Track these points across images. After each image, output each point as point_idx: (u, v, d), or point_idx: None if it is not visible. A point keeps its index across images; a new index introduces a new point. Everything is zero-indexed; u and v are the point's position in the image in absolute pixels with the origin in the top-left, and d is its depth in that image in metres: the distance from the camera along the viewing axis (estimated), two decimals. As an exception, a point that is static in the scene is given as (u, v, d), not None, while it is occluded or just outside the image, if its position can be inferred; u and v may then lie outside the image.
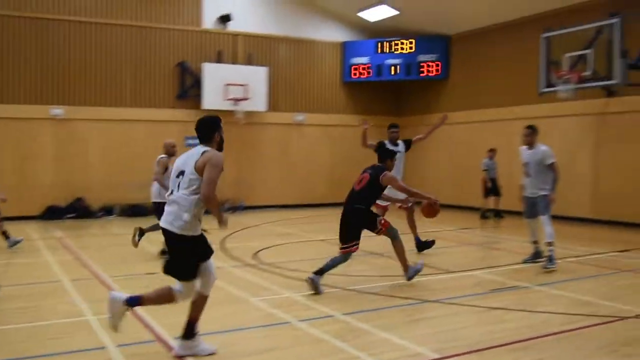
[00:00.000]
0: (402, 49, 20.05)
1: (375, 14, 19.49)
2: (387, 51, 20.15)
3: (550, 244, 9.40)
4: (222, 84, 18.06)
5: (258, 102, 18.64)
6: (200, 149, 5.19)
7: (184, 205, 5.08)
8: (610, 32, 13.21)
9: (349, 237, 8.00)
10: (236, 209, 18.29)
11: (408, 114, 21.53)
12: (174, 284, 5.29)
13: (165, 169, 10.67)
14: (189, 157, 5.20)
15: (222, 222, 5.25)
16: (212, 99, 17.96)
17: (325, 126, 20.50)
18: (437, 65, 19.90)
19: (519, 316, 6.58)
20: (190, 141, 17.94)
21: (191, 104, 18.16)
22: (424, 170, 20.61)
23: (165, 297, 5.30)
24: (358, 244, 8.01)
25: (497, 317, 6.57)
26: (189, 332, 5.28)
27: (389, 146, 9.98)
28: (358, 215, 8.08)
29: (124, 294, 5.30)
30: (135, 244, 10.40)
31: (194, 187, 5.08)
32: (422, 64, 19.96)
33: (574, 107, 15.48)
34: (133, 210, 17.00)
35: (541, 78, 14.54)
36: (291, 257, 10.48)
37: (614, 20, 13.17)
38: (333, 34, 20.69)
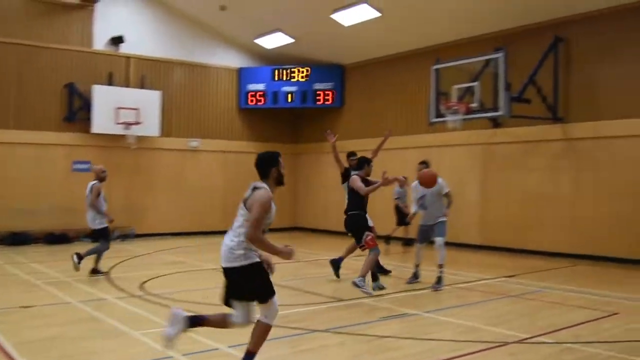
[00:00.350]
0: (298, 76, 20.17)
1: (271, 42, 19.55)
2: (283, 78, 20.23)
3: (441, 266, 10.00)
4: (113, 107, 17.49)
5: (150, 126, 18.17)
6: (254, 185, 5.27)
7: (235, 239, 5.12)
8: (496, 65, 13.78)
9: (357, 238, 9.62)
10: (126, 236, 17.64)
11: (304, 141, 21.65)
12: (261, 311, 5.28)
13: (98, 194, 10.87)
14: (246, 194, 5.26)
15: (284, 255, 5.12)
16: (102, 123, 17.34)
17: (220, 152, 20.25)
18: (333, 93, 20.13)
19: (408, 344, 6.59)
20: (78, 165, 17.26)
21: (80, 127, 17.47)
22: (320, 196, 20.75)
23: (263, 333, 5.31)
24: (369, 235, 9.47)
25: (386, 346, 6.54)
26: (192, 323, 5.33)
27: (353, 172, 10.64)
28: (350, 221, 9.76)
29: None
30: (77, 268, 10.60)
31: (244, 223, 5.13)
32: (317, 92, 20.15)
33: (463, 137, 16.02)
34: (14, 239, 16.03)
35: (431, 108, 14.95)
36: (180, 287, 10.16)
37: (498, 55, 13.76)
38: (229, 59, 20.56)
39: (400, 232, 16.10)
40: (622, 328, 7.41)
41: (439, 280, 9.97)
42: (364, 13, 16.24)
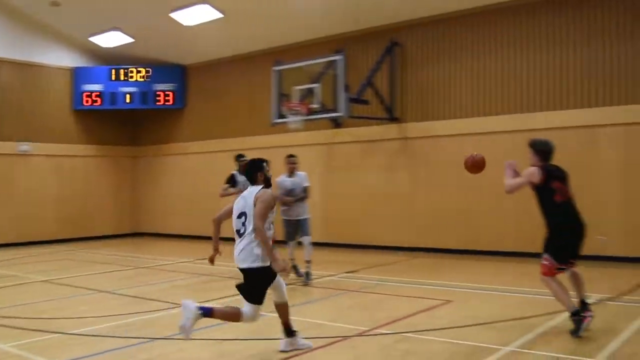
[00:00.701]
0: (137, 77, 19.49)
1: (109, 40, 18.73)
2: (122, 79, 19.44)
3: (309, 261, 10.53)
4: None
5: (-27, 130, 16.76)
6: (254, 190, 5.88)
7: (254, 241, 5.71)
8: (336, 67, 14.08)
9: None
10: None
11: (145, 143, 20.99)
12: (244, 306, 5.82)
13: None
14: (247, 199, 5.83)
15: (278, 264, 5.73)
16: None
17: (54, 156, 19.05)
18: (174, 94, 19.67)
19: (248, 345, 6.53)
20: None
21: None
22: (160, 200, 20.25)
23: (233, 316, 5.91)
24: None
25: (226, 349, 6.42)
26: (288, 331, 6.19)
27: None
28: None
29: (196, 303, 5.80)
30: None
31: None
32: (158, 93, 19.58)
33: (305, 137, 16.22)
34: None
35: (273, 109, 15.01)
36: (5, 303, 9.38)
37: (337, 57, 14.07)
38: (63, 58, 19.38)
39: None
40: (455, 315, 7.79)
41: (308, 275, 10.46)
42: (205, 13, 15.98)
